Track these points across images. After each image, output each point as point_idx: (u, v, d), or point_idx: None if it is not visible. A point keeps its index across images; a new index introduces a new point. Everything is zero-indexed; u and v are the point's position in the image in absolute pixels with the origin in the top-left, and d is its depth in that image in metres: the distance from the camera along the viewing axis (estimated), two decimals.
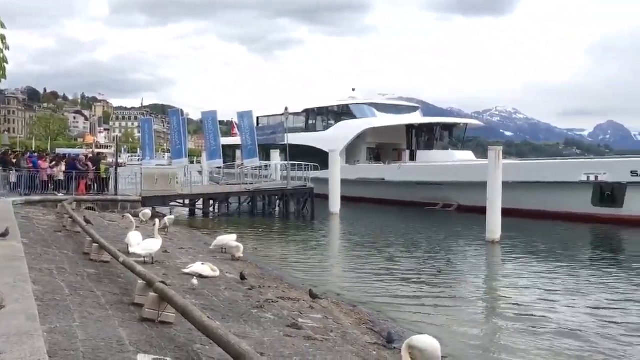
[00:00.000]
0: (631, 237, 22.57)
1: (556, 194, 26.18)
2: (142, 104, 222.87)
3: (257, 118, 41.01)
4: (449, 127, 38.58)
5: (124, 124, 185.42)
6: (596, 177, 25.73)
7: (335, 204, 29.22)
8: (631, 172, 24.94)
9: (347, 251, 18.87)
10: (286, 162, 30.22)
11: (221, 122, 53.25)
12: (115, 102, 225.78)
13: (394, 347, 7.69)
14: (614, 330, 9.51)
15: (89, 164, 24.72)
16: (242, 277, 10.73)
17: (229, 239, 14.72)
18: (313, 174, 30.42)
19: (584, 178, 25.95)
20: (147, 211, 19.28)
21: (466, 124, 40.07)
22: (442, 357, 6.20)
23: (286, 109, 33.38)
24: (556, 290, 12.61)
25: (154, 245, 11.09)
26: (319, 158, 32.60)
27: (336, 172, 30.16)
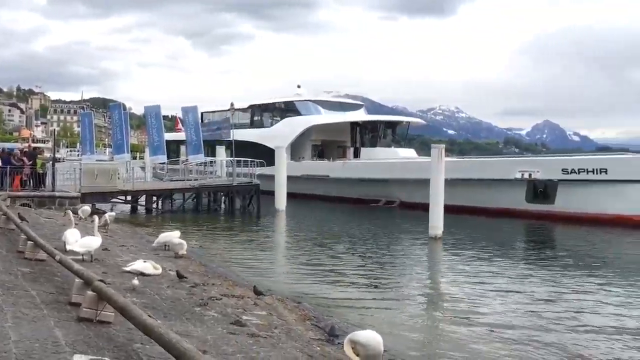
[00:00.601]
0: (562, 232, 23.63)
1: (493, 191, 27.13)
2: (82, 98, 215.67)
3: (202, 114, 40.43)
4: (392, 125, 39.27)
5: (62, 117, 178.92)
6: (530, 175, 26.83)
7: (281, 201, 29.17)
8: (562, 170, 26.13)
9: (293, 248, 18.91)
10: (232, 159, 29.95)
11: (165, 117, 52.21)
12: (54, 95, 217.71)
13: (338, 343, 7.76)
14: (554, 327, 9.78)
15: (25, 159, 23.76)
16: (180, 276, 10.36)
17: (172, 235, 14.48)
18: (259, 170, 30.27)
19: (519, 176, 27.03)
20: (87, 208, 18.73)
21: (408, 122, 40.94)
22: (384, 350, 6.32)
23: (232, 104, 33.14)
24: (496, 287, 12.93)
25: (92, 242, 10.76)
26: (264, 154, 32.51)
27: (282, 168, 30.11)
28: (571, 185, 25.59)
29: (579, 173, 25.68)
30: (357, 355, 6.06)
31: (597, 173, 25.28)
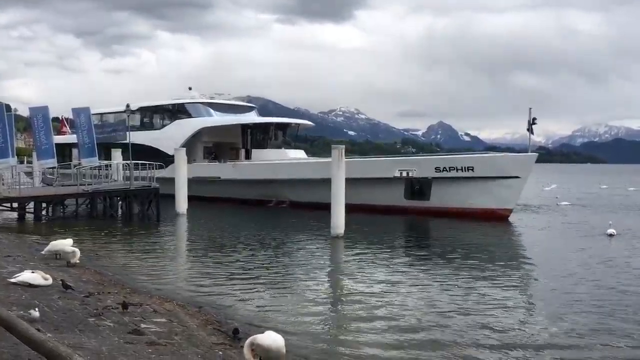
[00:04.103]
0: (438, 226, 25.09)
1: (377, 189, 28.50)
2: None
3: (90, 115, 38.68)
4: (282, 127, 39.73)
5: None
6: (407, 173, 28.49)
7: (181, 204, 28.54)
8: (435, 169, 27.94)
9: (194, 252, 18.49)
10: (129, 162, 28.84)
11: (56, 119, 49.33)
12: None
13: (241, 346, 7.68)
14: (450, 320, 10.12)
15: None
16: (66, 286, 9.74)
17: (63, 243, 13.72)
18: (157, 173, 29.37)
19: (398, 174, 28.57)
20: None
21: (298, 124, 41.60)
22: (287, 351, 6.35)
23: (128, 105, 31.89)
24: (399, 284, 13.14)
25: None
26: (156, 157, 31.80)
27: (182, 171, 29.50)
28: (443, 182, 27.51)
29: (449, 171, 27.61)
30: (260, 358, 6.04)
31: (465, 171, 27.33)
